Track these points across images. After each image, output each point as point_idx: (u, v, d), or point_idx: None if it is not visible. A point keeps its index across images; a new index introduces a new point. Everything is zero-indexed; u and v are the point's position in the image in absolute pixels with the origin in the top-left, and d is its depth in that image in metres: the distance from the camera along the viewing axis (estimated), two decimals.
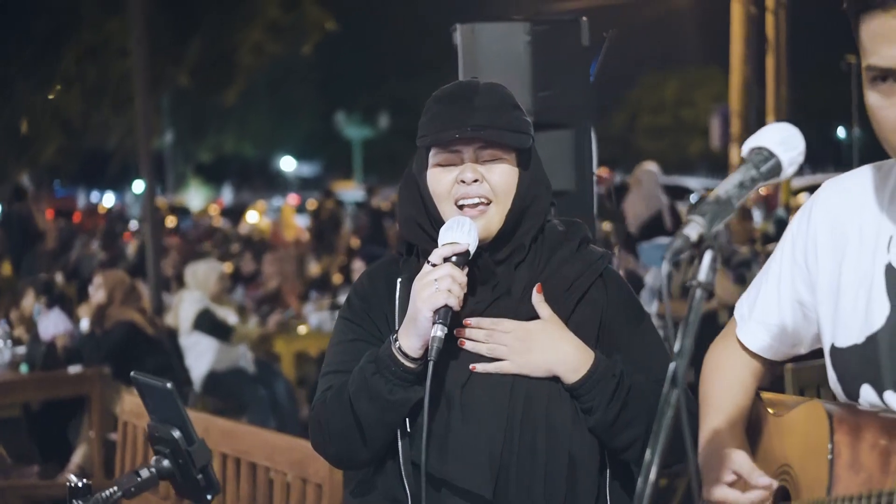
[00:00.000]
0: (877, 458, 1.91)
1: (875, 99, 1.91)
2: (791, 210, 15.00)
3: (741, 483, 2.07)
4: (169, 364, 8.08)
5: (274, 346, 10.14)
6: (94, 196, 41.81)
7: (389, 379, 2.37)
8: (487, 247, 2.46)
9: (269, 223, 25.93)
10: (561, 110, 3.89)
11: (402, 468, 2.44)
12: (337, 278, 13.07)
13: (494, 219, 2.45)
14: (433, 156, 2.48)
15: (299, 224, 24.25)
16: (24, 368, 7.76)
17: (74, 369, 7.80)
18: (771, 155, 1.74)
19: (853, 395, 2.06)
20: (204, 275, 9.27)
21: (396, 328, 2.44)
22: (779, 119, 17.91)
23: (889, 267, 2.00)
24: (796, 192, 18.68)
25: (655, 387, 2.35)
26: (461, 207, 2.45)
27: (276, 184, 47.79)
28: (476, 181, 2.43)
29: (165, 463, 2.03)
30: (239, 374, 9.11)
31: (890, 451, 1.91)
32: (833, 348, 2.09)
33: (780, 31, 18.34)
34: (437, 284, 2.31)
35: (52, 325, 8.36)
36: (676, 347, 1.58)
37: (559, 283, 2.51)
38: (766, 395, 2.31)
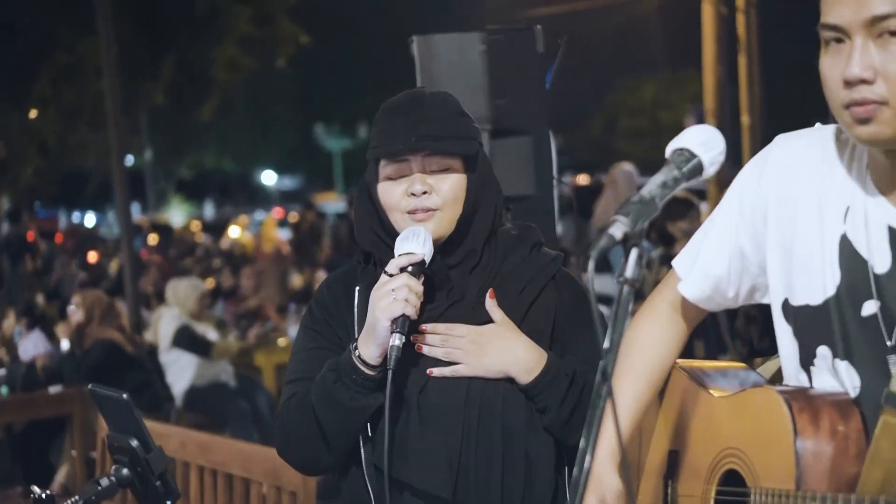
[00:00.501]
0: (838, 445, 1.96)
1: (825, 63, 1.94)
2: None
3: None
4: (149, 381, 8.12)
5: (255, 359, 10.17)
6: (76, 216, 41.68)
7: (350, 387, 2.43)
8: (440, 251, 2.52)
9: (251, 237, 25.92)
10: (518, 117, 3.97)
11: (365, 472, 2.50)
12: None
13: (444, 223, 2.51)
14: (383, 168, 2.54)
15: (281, 237, 24.25)
16: (4, 390, 7.79)
17: (55, 389, 7.83)
18: (692, 155, 1.82)
19: (810, 352, 2.09)
20: (184, 293, 9.31)
21: (356, 336, 2.51)
22: (753, 117, 17.99)
23: (843, 238, 2.02)
24: None
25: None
26: (411, 215, 2.51)
27: (258, 198, 47.72)
28: (425, 193, 2.49)
29: (125, 471, 2.09)
30: (220, 389, 9.14)
31: (848, 436, 1.97)
32: (787, 303, 2.12)
33: (751, 30, 18.38)
34: (394, 294, 2.37)
35: (33, 345, 8.38)
36: (606, 343, 1.64)
37: (512, 286, 2.57)
38: (702, 363, 2.37)
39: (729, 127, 18.00)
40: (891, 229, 1.98)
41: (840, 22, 1.89)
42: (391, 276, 2.42)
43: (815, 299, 2.06)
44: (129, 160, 36.03)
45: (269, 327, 10.61)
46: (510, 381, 2.52)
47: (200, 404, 9.11)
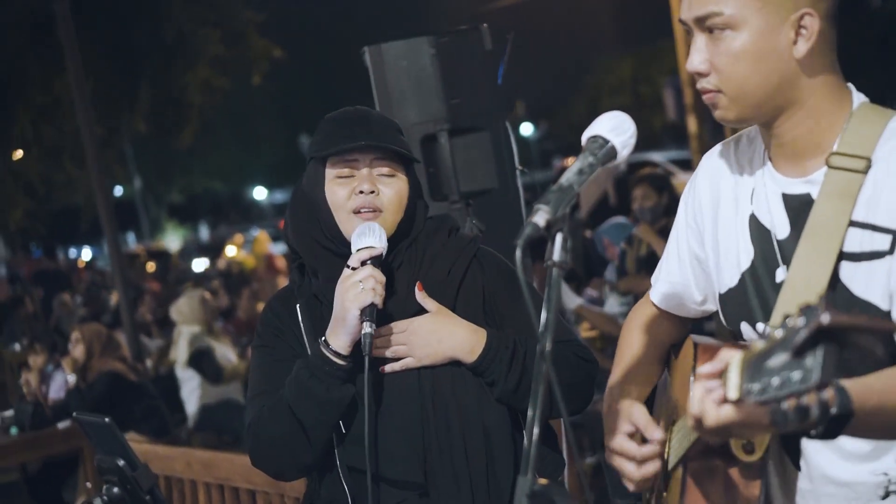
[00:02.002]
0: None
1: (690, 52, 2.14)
2: None
3: (639, 435, 2.28)
4: (156, 408, 8.21)
5: None
6: (72, 252, 41.75)
7: (324, 379, 2.57)
8: None
9: (247, 255, 25.97)
10: (474, 114, 4.10)
11: (340, 472, 2.65)
12: None
13: (386, 226, 2.67)
14: (331, 168, 2.69)
15: (274, 251, 24.31)
16: (14, 431, 7.88)
17: (64, 425, 7.91)
18: (605, 141, 1.96)
19: (737, 333, 2.28)
20: (188, 308, 9.42)
21: (307, 345, 2.67)
22: None
23: (752, 216, 2.22)
24: None
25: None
26: (357, 214, 2.65)
27: (252, 215, 47.80)
28: (373, 192, 2.65)
29: (115, 490, 2.21)
30: (230, 407, 9.26)
31: None
32: (719, 295, 2.31)
33: None
34: (362, 285, 2.52)
35: (59, 385, 8.49)
36: (541, 325, 1.77)
37: (437, 274, 2.73)
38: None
39: None
40: (784, 196, 2.16)
41: (684, 18, 2.10)
42: (354, 269, 2.56)
43: (733, 279, 2.24)
44: (119, 191, 36.25)
45: None
46: (457, 363, 2.67)
47: (211, 424, 9.22)
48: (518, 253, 1.73)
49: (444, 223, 2.86)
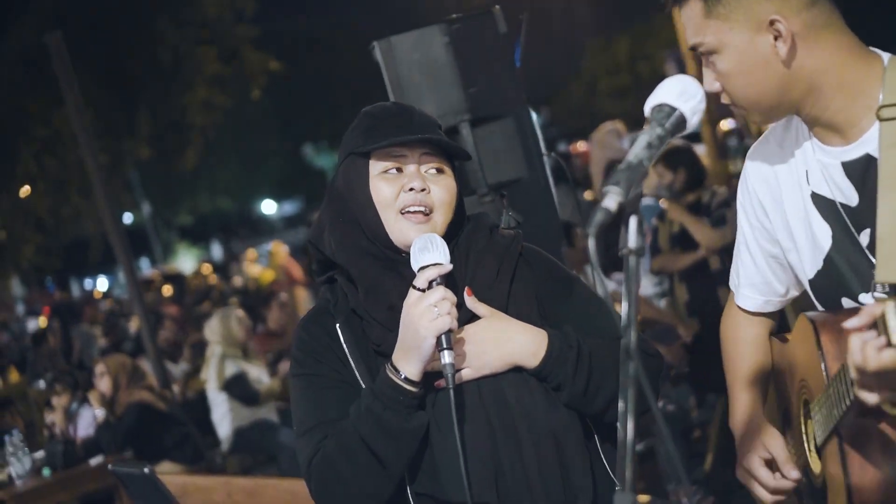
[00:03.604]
0: None
1: None
2: None
3: (772, 464, 2.37)
4: (187, 435, 8.09)
5: (290, 390, 10.08)
6: (88, 283, 41.76)
7: (400, 410, 2.37)
8: None
9: (263, 269, 25.87)
10: (494, 101, 3.89)
11: (411, 501, 2.45)
12: None
13: (437, 229, 2.48)
14: (375, 164, 2.50)
15: (292, 261, 24.17)
16: (46, 472, 7.75)
17: (96, 461, 7.79)
18: (672, 109, 1.78)
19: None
20: (223, 327, 9.25)
21: (353, 367, 2.47)
22: None
23: (814, 195, 2.24)
24: None
25: (613, 344, 2.45)
26: (404, 214, 2.46)
27: (262, 230, 47.74)
28: (423, 190, 2.46)
29: None
30: (263, 427, 9.11)
31: None
32: (810, 283, 2.33)
33: None
34: (437, 310, 2.32)
35: (87, 423, 8.37)
36: (623, 320, 1.58)
37: (485, 277, 2.53)
38: None
39: None
40: (844, 165, 2.18)
41: (689, 45, 2.25)
42: (422, 290, 2.36)
43: (819, 262, 2.27)
44: (129, 218, 36.20)
45: None
46: (518, 369, 2.46)
47: (245, 445, 9.08)
48: (591, 243, 1.54)
49: (482, 221, 2.66)
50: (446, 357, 2.32)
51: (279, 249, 26.62)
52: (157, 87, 18.37)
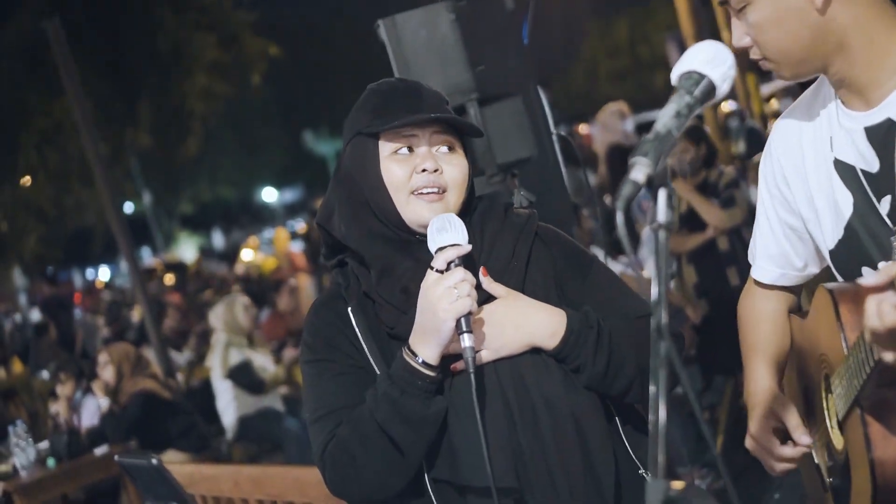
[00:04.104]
0: None
1: None
2: (768, 118, 14.82)
3: (782, 432, 2.30)
4: (192, 424, 8.03)
5: (296, 376, 10.05)
6: (90, 273, 41.72)
7: (418, 395, 2.30)
8: None
9: (265, 257, 25.83)
10: (503, 80, 3.81)
11: (429, 486, 2.37)
12: None
13: (451, 208, 2.42)
14: (385, 145, 2.42)
15: (294, 249, 24.14)
16: (51, 462, 7.70)
17: (101, 451, 7.74)
18: (701, 76, 1.71)
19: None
20: (231, 315, 9.18)
21: (366, 351, 2.40)
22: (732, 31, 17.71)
23: (836, 161, 2.18)
24: (768, 99, 18.51)
25: (632, 324, 2.40)
26: (416, 194, 2.40)
27: (264, 217, 47.66)
28: (436, 170, 2.39)
29: None
30: (268, 415, 9.06)
31: None
32: (830, 253, 2.27)
33: None
34: (457, 291, 2.25)
35: (91, 412, 8.32)
36: (654, 296, 1.50)
37: (500, 256, 2.46)
38: None
39: None
40: (867, 130, 2.13)
41: (720, 4, 2.18)
42: (440, 271, 2.29)
43: (839, 231, 2.21)
44: (129, 207, 36.14)
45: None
46: (534, 350, 2.39)
47: (250, 433, 9.03)
48: (619, 217, 1.47)
49: (496, 200, 2.58)
50: (466, 340, 2.25)
51: (282, 235, 26.60)
52: (157, 74, 18.27)
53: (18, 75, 17.34)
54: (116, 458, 2.07)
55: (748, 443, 2.37)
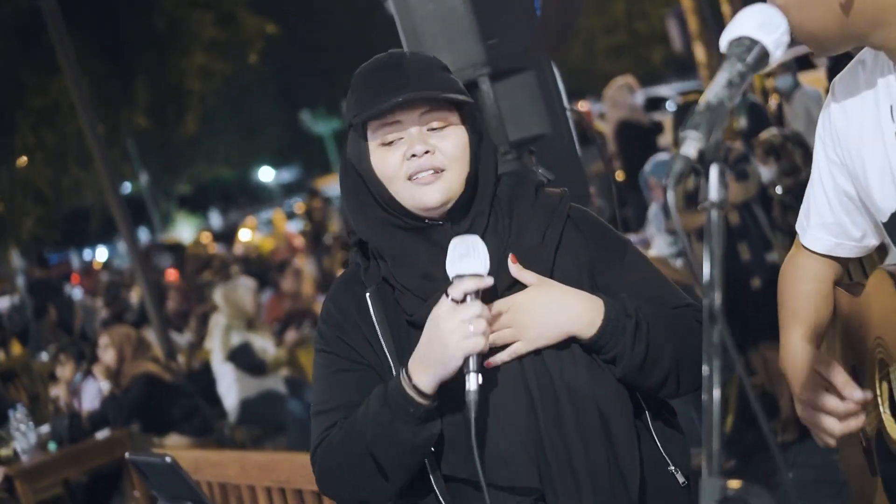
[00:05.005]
0: None
1: None
2: (769, 93, 14.68)
3: (834, 392, 2.12)
4: (195, 407, 7.94)
5: (300, 359, 9.97)
6: (87, 254, 41.66)
7: (410, 422, 2.18)
8: (447, 218, 2.29)
9: (263, 237, 25.77)
10: (515, 53, 3.66)
11: (434, 483, 2.28)
12: None
13: (454, 185, 2.26)
14: (373, 133, 2.28)
15: (291, 230, 24.06)
16: (52, 446, 7.61)
17: (102, 434, 7.66)
18: (753, 42, 1.58)
19: None
20: (240, 297, 9.08)
21: (382, 341, 2.29)
22: (733, 5, 17.63)
23: None
24: (768, 74, 18.36)
25: (670, 313, 2.28)
26: (412, 179, 2.25)
27: (261, 197, 47.55)
28: (427, 152, 2.24)
29: None
30: (270, 398, 8.97)
31: None
32: (884, 224, 2.16)
33: None
34: (472, 328, 2.11)
35: (92, 395, 8.24)
36: (706, 278, 1.39)
37: (530, 240, 2.31)
38: None
39: (712, 22, 17.69)
40: None
41: None
42: (456, 301, 2.13)
43: (894, 202, 2.10)
44: (127, 187, 36.01)
45: (305, 330, 10.36)
46: (562, 344, 2.25)
47: (253, 416, 8.94)
48: (670, 195, 1.36)
49: (525, 179, 2.43)
50: (472, 383, 2.11)
51: (279, 217, 26.53)
52: (154, 53, 18.11)
53: (14, 54, 17.19)
54: (128, 455, 1.97)
55: (798, 409, 2.20)
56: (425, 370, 2.16)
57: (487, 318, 2.13)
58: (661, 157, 8.11)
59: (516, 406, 2.22)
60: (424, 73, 2.28)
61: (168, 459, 1.82)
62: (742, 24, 1.60)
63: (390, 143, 2.26)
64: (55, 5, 9.94)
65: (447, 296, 2.15)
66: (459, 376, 2.15)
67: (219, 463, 4.50)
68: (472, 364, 2.11)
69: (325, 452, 2.30)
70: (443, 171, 2.25)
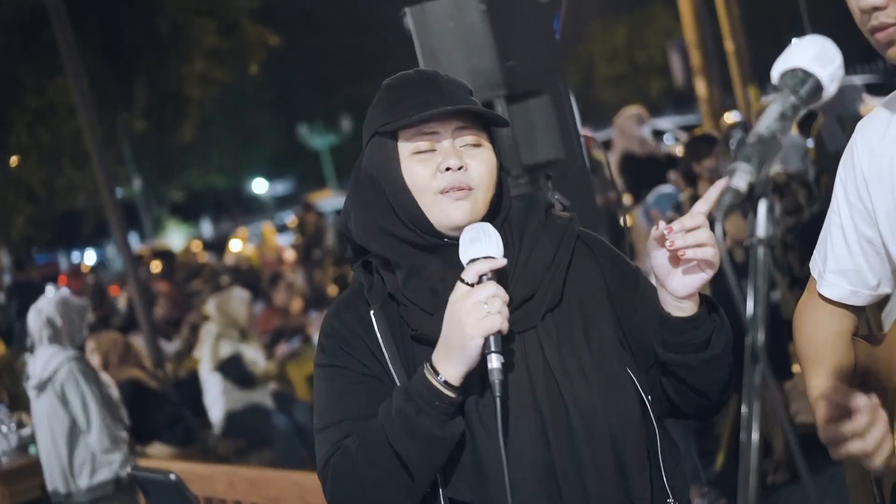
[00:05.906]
0: None
1: None
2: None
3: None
4: (180, 415, 7.87)
5: (287, 373, 9.92)
6: (76, 256, 41.49)
7: (436, 416, 2.13)
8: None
9: (254, 249, 25.69)
10: (532, 76, 3.64)
11: None
12: (332, 290, 12.81)
13: (480, 205, 2.26)
14: (406, 142, 2.26)
15: (281, 243, 24.00)
16: (33, 450, 7.49)
17: None
18: (807, 75, 1.53)
19: None
20: (234, 308, 8.99)
21: (386, 356, 2.24)
22: (737, 41, 17.69)
23: None
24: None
25: None
26: (444, 194, 2.24)
27: (253, 208, 47.45)
28: (461, 168, 2.23)
29: None
30: (256, 411, 8.89)
31: None
32: None
33: None
34: (487, 307, 2.08)
35: None
36: (749, 314, 1.34)
37: (539, 261, 2.29)
38: None
39: (714, 57, 17.71)
40: None
41: None
42: (470, 284, 2.11)
43: None
44: (118, 192, 35.92)
45: (294, 345, 10.28)
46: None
47: (238, 429, 8.86)
48: (718, 229, 1.31)
49: (536, 201, 2.42)
50: (494, 361, 2.07)
51: (269, 231, 26.48)
52: (155, 57, 18.05)
53: (14, 52, 17.11)
54: (129, 470, 1.90)
55: (820, 433, 2.06)
56: (448, 358, 2.12)
57: (504, 299, 2.10)
58: (665, 189, 8.06)
59: (529, 433, 2.18)
60: (456, 91, 2.30)
61: (172, 477, 1.76)
62: (796, 56, 1.55)
63: (423, 154, 2.25)
64: (60, 4, 9.90)
65: (462, 280, 2.13)
66: (468, 391, 2.13)
67: (207, 476, 4.42)
68: (491, 344, 2.08)
69: (340, 462, 2.22)
70: (472, 190, 2.24)
